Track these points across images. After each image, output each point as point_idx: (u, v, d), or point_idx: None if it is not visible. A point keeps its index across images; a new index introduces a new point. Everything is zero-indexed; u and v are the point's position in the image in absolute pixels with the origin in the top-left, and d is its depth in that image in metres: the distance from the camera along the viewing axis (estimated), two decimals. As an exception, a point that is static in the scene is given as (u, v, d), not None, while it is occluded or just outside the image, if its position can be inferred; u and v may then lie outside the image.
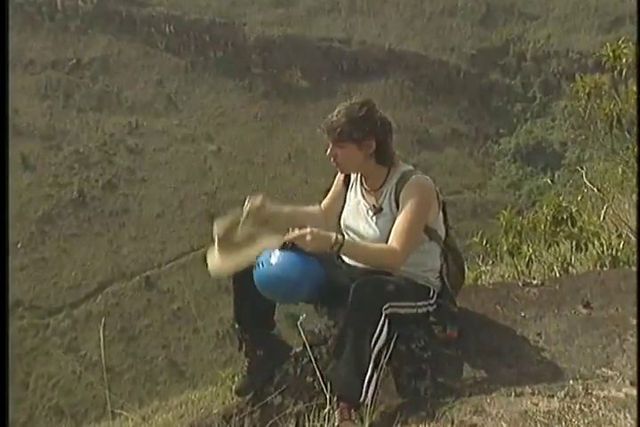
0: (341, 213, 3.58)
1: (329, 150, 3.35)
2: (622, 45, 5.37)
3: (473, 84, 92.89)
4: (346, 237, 3.53)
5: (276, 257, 3.03)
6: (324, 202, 3.68)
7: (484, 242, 5.27)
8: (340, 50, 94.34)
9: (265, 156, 79.62)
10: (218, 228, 3.38)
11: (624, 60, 5.28)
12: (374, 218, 3.37)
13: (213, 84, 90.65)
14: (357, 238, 3.45)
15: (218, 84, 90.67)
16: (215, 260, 3.37)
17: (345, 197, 3.59)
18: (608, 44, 5.43)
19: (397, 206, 3.29)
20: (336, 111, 3.36)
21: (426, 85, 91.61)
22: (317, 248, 3.04)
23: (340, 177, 3.64)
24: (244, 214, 3.44)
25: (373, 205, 3.39)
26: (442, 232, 3.47)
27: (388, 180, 3.38)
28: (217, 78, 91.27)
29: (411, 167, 3.41)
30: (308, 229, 3.03)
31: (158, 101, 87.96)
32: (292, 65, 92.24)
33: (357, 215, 3.45)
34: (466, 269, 3.70)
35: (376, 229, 3.35)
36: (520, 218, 5.32)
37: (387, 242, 3.28)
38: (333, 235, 3.09)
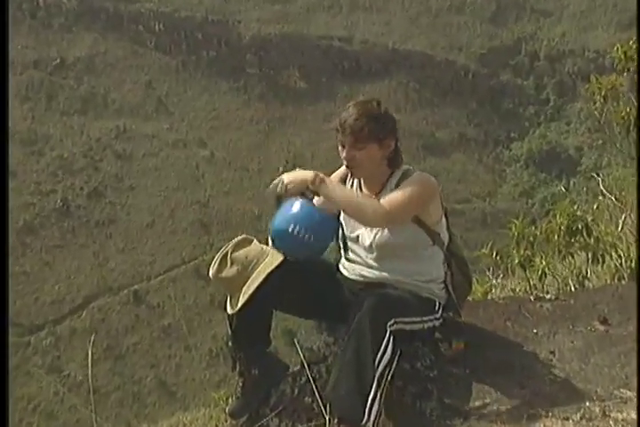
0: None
1: (345, 152, 3.30)
2: (634, 46, 5.37)
3: (482, 85, 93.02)
4: (350, 254, 3.55)
5: (279, 215, 3.25)
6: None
7: (494, 254, 5.27)
8: (340, 49, 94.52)
9: (261, 162, 79.68)
10: (212, 271, 3.41)
11: (637, 62, 5.29)
12: None
13: (206, 85, 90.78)
14: (360, 250, 3.46)
15: (211, 85, 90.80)
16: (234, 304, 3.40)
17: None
18: (619, 44, 5.43)
19: None
20: (351, 110, 3.32)
21: (432, 87, 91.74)
22: (298, 189, 3.19)
23: (336, 176, 3.63)
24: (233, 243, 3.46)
25: None
26: (445, 237, 3.48)
27: (389, 182, 3.39)
28: (210, 79, 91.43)
29: (409, 166, 3.43)
30: (283, 176, 3.20)
31: (147, 104, 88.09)
32: (290, 65, 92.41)
33: (356, 224, 3.45)
34: (472, 278, 3.70)
35: (379, 233, 3.37)
36: (533, 228, 5.32)
37: (393, 246, 3.33)
38: (311, 172, 3.20)
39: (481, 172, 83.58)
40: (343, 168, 3.54)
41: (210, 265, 3.36)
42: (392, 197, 3.21)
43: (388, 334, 3.06)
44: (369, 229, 3.40)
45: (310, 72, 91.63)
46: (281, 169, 78.58)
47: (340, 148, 3.33)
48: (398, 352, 3.08)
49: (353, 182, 3.57)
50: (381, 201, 3.21)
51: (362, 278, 3.46)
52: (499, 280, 5.78)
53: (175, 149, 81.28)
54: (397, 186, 3.31)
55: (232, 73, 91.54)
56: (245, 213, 71.19)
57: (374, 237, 3.38)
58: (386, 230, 3.33)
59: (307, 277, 3.46)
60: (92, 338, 53.04)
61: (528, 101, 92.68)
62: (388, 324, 3.08)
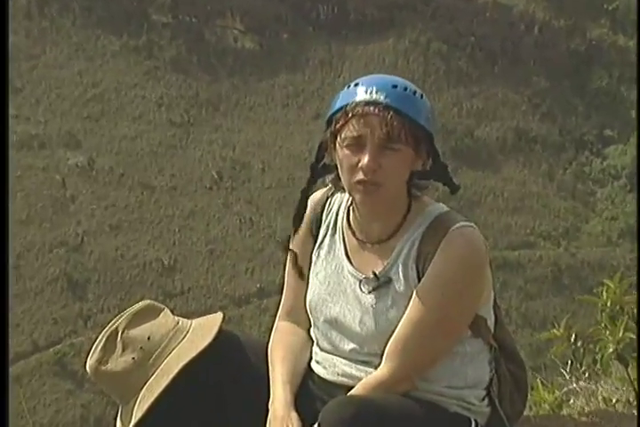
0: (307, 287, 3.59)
1: (367, 158, 3.29)
2: None
3: (556, 47, 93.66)
4: (327, 342, 3.54)
5: None
6: (288, 302, 3.68)
7: (573, 337, 5.32)
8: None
9: (175, 175, 79.52)
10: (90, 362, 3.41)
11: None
12: (373, 297, 3.40)
13: (80, 42, 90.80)
14: (345, 336, 3.49)
15: (89, 42, 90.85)
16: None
17: (310, 257, 3.60)
18: None
19: (419, 277, 3.32)
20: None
21: (469, 50, 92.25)
22: None
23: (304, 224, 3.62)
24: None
25: (373, 273, 3.41)
26: (491, 322, 3.53)
27: (405, 225, 3.43)
28: (87, 32, 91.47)
29: (443, 206, 3.49)
30: None
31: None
32: (227, 10, 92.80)
33: (338, 293, 3.48)
34: (529, 382, 3.74)
35: (378, 318, 3.38)
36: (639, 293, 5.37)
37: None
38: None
39: (552, 195, 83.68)
40: (317, 195, 3.56)
41: (88, 352, 3.37)
42: (413, 331, 3.28)
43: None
44: (359, 307, 3.41)
45: (262, 23, 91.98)
46: (208, 186, 78.39)
47: (343, 151, 3.35)
48: None
49: (336, 223, 3.58)
50: (393, 341, 3.28)
51: (347, 380, 3.47)
52: (581, 383, 5.81)
53: (24, 151, 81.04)
54: (423, 243, 3.35)
55: (126, 22, 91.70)
56: (147, 262, 70.93)
57: (372, 320, 3.40)
58: (392, 320, 3.35)
59: (251, 375, 3.48)
60: None
61: (633, 75, 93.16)
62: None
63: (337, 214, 3.57)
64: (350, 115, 3.27)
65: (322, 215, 3.59)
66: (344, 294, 3.44)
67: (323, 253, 3.54)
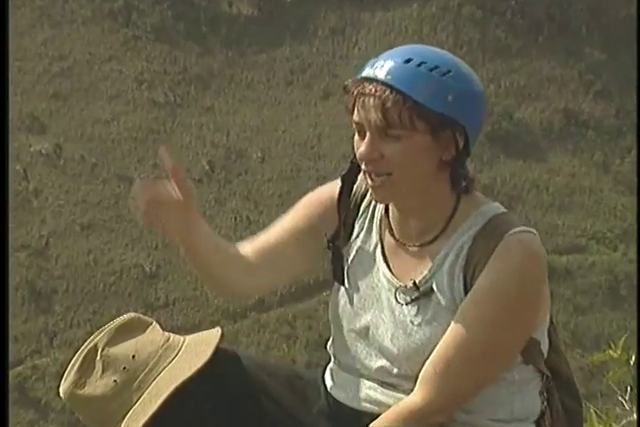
0: (336, 296, 3.59)
1: (364, 145, 3.28)
2: None
3: (611, 13, 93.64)
4: (349, 358, 3.56)
5: None
6: (260, 239, 3.70)
7: (633, 359, 5.33)
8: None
9: (158, 166, 77.95)
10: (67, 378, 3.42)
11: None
12: (410, 309, 3.39)
13: (46, 6, 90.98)
14: (372, 353, 3.50)
15: (55, 6, 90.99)
16: None
17: (317, 235, 3.60)
18: None
19: (466, 288, 3.31)
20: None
21: (508, 17, 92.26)
22: None
23: (320, 196, 3.64)
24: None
25: (413, 282, 3.41)
26: (545, 346, 3.52)
27: (452, 225, 3.40)
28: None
29: (499, 206, 3.45)
30: None
31: None
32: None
33: (371, 299, 3.49)
34: (583, 413, 3.73)
35: (415, 334, 3.38)
36: None
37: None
38: None
39: (607, 190, 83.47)
40: (358, 181, 3.55)
41: (61, 375, 3.37)
42: (455, 356, 3.23)
43: None
44: (394, 320, 3.40)
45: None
46: (198, 178, 78.41)
47: (356, 137, 3.34)
48: None
49: (373, 218, 3.58)
50: (428, 367, 3.24)
51: (370, 406, 3.47)
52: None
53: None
54: (474, 248, 3.30)
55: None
56: (124, 269, 70.96)
57: (406, 336, 3.39)
58: (433, 337, 3.33)
59: (252, 398, 3.50)
60: None
61: None
62: None
63: (375, 208, 3.54)
64: (351, 92, 3.24)
65: (360, 207, 3.56)
66: (377, 302, 3.43)
67: (351, 250, 3.53)
